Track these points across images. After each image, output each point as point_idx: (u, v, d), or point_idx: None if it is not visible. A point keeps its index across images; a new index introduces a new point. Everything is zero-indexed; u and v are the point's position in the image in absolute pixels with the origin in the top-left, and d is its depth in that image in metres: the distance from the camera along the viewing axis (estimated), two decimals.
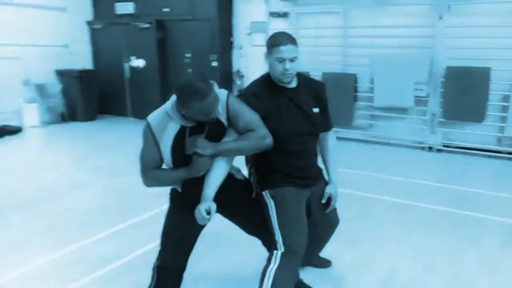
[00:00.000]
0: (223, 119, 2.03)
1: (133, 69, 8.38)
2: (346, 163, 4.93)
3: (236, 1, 7.78)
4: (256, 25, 7.60)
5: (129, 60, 8.41)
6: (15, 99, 7.62)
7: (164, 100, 2.09)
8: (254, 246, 2.45)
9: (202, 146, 1.95)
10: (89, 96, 8.36)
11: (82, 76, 8.17)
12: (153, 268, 2.19)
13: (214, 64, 7.69)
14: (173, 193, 2.20)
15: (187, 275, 2.24)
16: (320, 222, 2.51)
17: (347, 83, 6.51)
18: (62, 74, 8.21)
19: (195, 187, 2.02)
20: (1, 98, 7.46)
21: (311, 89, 2.32)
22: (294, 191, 2.27)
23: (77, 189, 4.41)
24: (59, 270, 2.81)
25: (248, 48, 7.82)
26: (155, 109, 2.06)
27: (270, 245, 2.39)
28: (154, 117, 2.02)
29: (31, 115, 7.72)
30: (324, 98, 2.37)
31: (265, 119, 2.10)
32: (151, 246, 2.80)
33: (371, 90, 6.44)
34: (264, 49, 2.25)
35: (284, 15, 7.31)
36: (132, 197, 4.08)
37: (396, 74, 6.09)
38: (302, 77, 2.34)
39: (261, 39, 7.43)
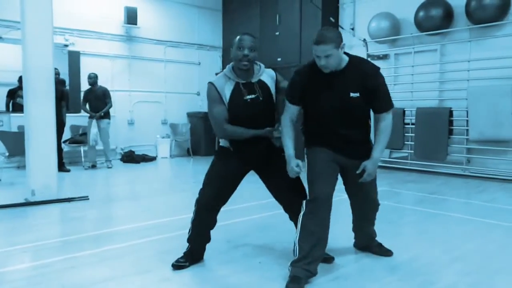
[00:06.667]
0: (270, 84, 2.68)
1: None
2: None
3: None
4: None
5: None
6: (154, 134, 9.37)
7: None
8: None
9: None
10: (211, 134, 9.68)
11: (207, 117, 9.53)
12: (195, 202, 2.72)
13: None
14: (221, 149, 2.81)
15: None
16: (358, 197, 2.78)
17: (441, 117, 6.45)
18: (191, 116, 9.79)
19: (243, 146, 2.65)
20: (144, 134, 9.29)
21: (357, 74, 2.51)
22: (325, 150, 2.57)
23: (175, 192, 5.63)
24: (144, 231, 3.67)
25: None
26: None
27: (290, 212, 2.78)
28: (215, 79, 2.68)
29: (164, 148, 9.32)
30: (371, 83, 2.51)
31: (303, 92, 2.56)
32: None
33: (468, 123, 6.25)
34: None
35: (384, 56, 7.68)
36: None
37: (495, 105, 5.86)
38: (354, 62, 2.55)
39: None
